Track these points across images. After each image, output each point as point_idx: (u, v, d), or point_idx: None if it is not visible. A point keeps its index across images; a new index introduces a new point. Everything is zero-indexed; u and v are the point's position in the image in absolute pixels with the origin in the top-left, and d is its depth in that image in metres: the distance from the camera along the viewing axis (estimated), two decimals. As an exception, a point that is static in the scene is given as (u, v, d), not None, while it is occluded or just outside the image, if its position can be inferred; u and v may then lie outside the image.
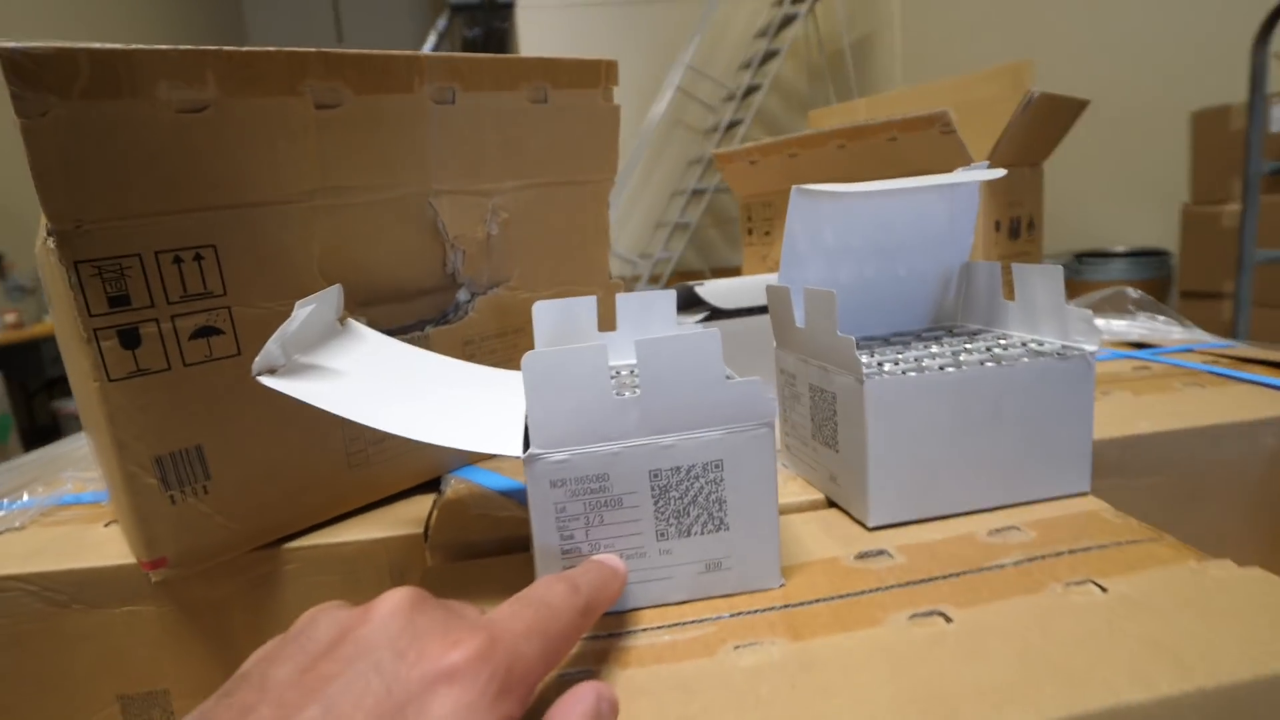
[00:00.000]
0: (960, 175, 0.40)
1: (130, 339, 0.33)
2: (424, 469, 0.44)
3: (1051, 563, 0.31)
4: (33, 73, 0.28)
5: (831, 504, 0.39)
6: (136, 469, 0.35)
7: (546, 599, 0.24)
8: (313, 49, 0.34)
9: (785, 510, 0.39)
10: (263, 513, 0.39)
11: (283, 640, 0.21)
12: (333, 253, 0.38)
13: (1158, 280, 2.15)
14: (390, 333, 0.39)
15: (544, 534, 0.29)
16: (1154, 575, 0.30)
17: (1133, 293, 0.69)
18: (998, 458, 0.36)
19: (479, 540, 0.37)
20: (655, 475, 0.29)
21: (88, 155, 0.30)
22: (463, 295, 0.44)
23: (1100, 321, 0.69)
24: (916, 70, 3.39)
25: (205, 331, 0.35)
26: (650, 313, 0.38)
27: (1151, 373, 0.57)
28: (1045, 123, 0.78)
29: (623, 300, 0.38)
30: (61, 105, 0.29)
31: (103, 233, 0.32)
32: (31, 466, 0.53)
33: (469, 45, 4.73)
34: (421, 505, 0.42)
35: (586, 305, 0.37)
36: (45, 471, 0.51)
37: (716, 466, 0.29)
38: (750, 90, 3.66)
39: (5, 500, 0.46)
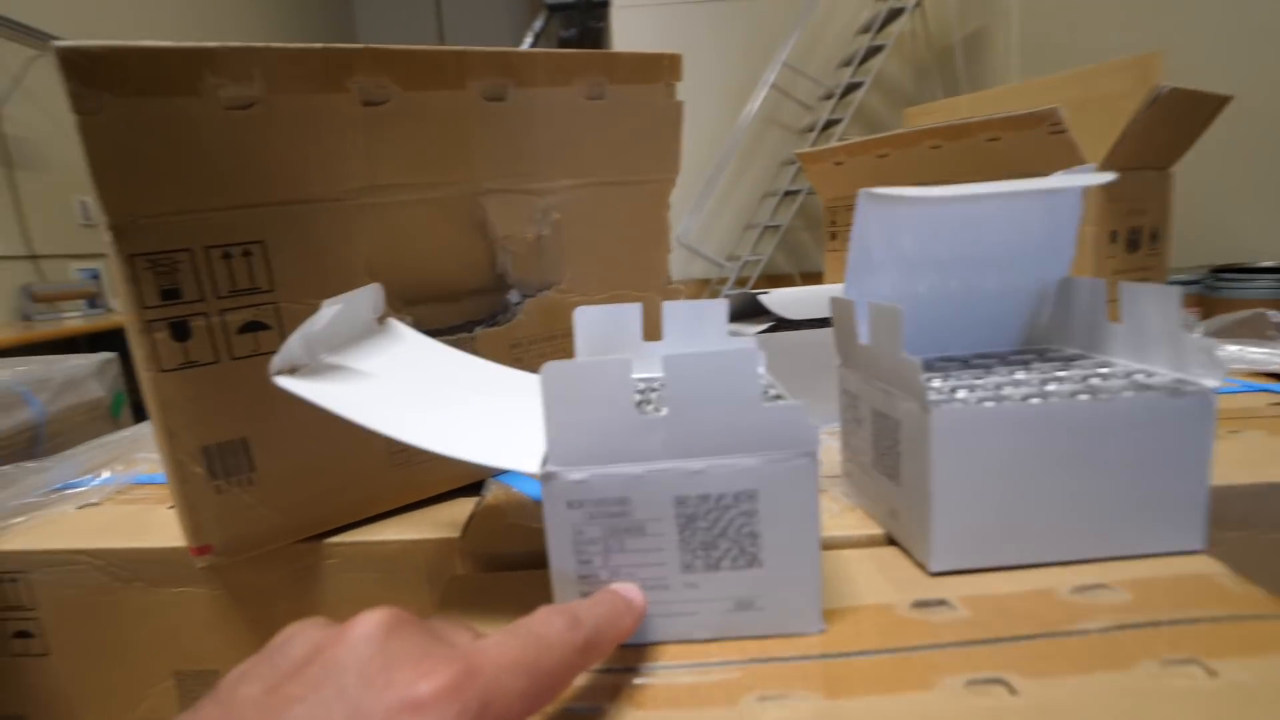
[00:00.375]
0: (1060, 179, 0.35)
1: (181, 331, 0.34)
2: (467, 472, 0.44)
3: (1148, 634, 0.27)
4: (88, 70, 0.29)
5: (891, 541, 0.35)
6: (185, 458, 0.35)
7: (540, 632, 0.22)
8: (359, 45, 0.33)
9: (840, 545, 0.35)
10: (306, 507, 0.39)
11: (258, 656, 0.21)
12: (380, 250, 0.38)
13: (1312, 300, 1.91)
14: (437, 333, 0.38)
15: (560, 557, 0.27)
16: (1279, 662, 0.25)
17: (1275, 315, 0.60)
18: (1089, 504, 0.31)
19: (510, 551, 0.36)
20: (681, 502, 0.27)
21: (141, 151, 0.31)
22: (513, 297, 0.43)
23: (1234, 348, 0.60)
24: (1034, 67, 3.14)
25: (253, 326, 0.36)
26: (700, 322, 0.36)
27: (1293, 410, 0.49)
28: (1175, 121, 0.69)
29: (671, 309, 0.35)
30: (115, 102, 0.30)
31: (156, 227, 0.32)
32: (115, 445, 0.56)
33: (564, 45, 4.81)
34: (463, 508, 0.42)
35: (632, 313, 0.35)
36: (126, 450, 0.54)
37: (750, 497, 0.27)
38: (850, 88, 3.53)
39: (89, 476, 0.49)
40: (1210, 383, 0.31)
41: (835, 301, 0.36)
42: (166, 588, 0.40)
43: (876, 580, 0.32)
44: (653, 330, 0.36)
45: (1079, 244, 0.39)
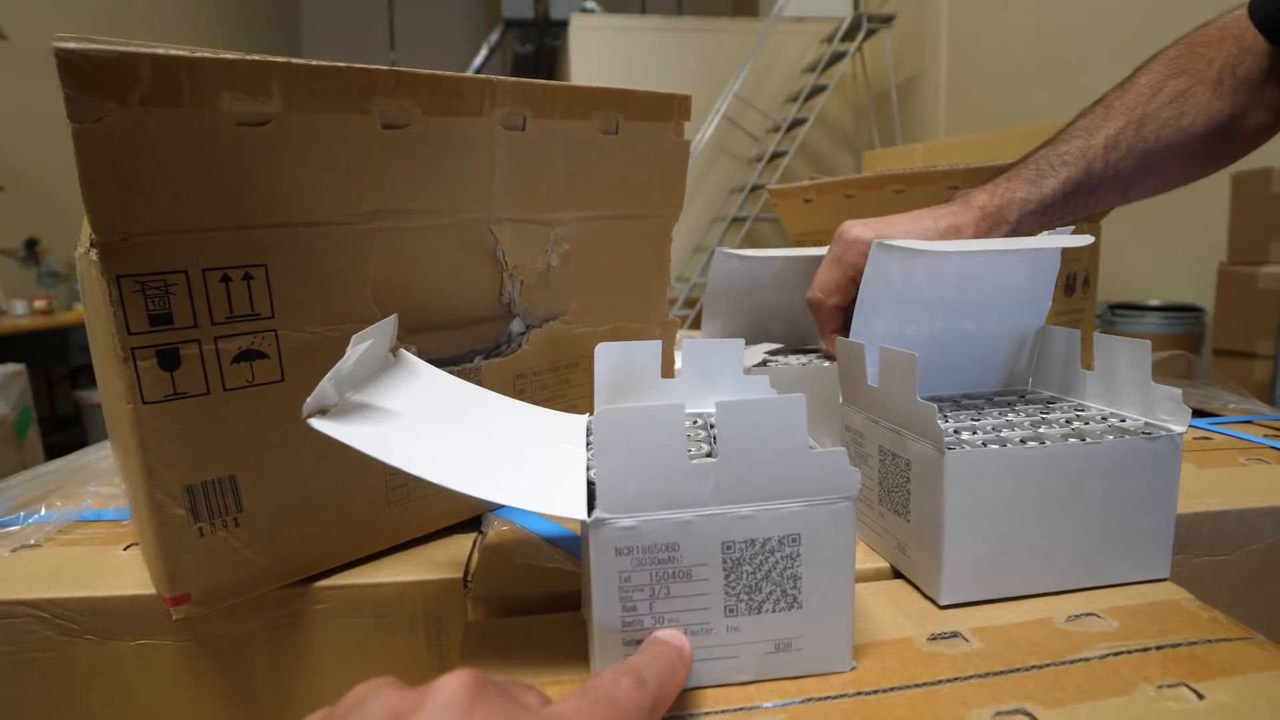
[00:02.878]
0: (1046, 239, 0.38)
1: (170, 360, 0.31)
2: (463, 507, 0.42)
3: (1139, 659, 0.29)
4: (91, 76, 0.27)
5: (897, 574, 0.37)
6: (165, 498, 0.32)
7: (613, 694, 0.22)
8: (384, 67, 0.32)
9: (847, 579, 0.36)
10: (295, 548, 0.36)
11: (328, 717, 0.19)
12: (387, 277, 0.36)
13: (1191, 336, 2.13)
14: (440, 362, 0.37)
15: (605, 604, 0.26)
16: (1251, 681, 0.27)
17: (1191, 357, 0.66)
18: (1077, 539, 0.34)
19: (525, 594, 0.35)
20: (728, 547, 0.27)
21: (142, 165, 0.29)
22: (516, 326, 0.42)
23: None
24: (960, 116, 3.37)
25: (248, 355, 0.33)
26: (715, 360, 0.36)
27: (1213, 444, 0.54)
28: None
29: (688, 346, 0.36)
30: (119, 111, 0.27)
31: (150, 247, 0.30)
32: (52, 477, 0.50)
33: (520, 60, 4.77)
34: (459, 546, 0.40)
35: (650, 351, 0.35)
36: (66, 483, 0.49)
37: (793, 540, 0.27)
38: (796, 123, 3.67)
39: (23, 513, 0.44)
40: (1177, 428, 0.34)
41: (843, 344, 0.37)
42: (124, 640, 0.37)
43: (891, 614, 0.33)
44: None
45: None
